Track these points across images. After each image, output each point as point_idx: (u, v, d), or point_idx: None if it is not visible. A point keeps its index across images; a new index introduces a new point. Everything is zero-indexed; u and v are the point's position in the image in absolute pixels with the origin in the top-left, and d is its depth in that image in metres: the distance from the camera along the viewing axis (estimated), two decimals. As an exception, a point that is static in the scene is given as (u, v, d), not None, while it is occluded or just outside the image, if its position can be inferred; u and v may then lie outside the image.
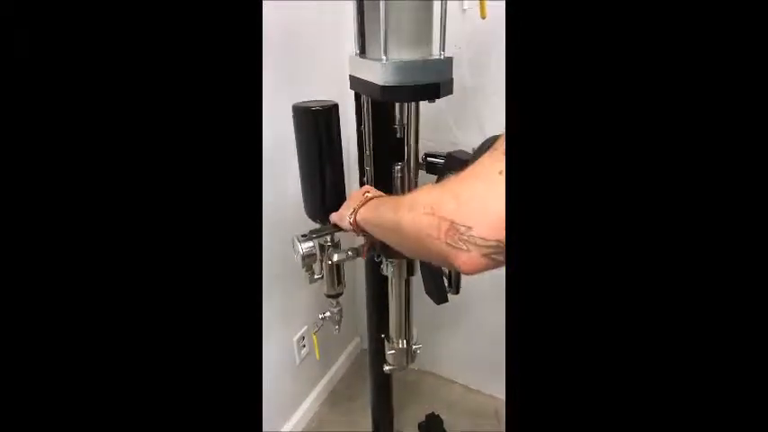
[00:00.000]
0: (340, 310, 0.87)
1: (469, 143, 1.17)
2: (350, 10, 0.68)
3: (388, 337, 0.91)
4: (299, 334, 1.35)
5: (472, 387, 1.59)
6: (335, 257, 0.76)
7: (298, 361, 1.37)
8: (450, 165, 0.65)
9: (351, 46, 0.71)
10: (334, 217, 0.72)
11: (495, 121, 1.03)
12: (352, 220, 0.63)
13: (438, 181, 0.68)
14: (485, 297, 1.34)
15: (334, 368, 1.62)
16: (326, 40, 1.18)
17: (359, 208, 0.63)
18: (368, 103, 0.72)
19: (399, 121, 0.72)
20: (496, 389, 1.53)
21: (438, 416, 1.37)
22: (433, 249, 0.40)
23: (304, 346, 1.38)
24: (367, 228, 0.62)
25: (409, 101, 0.64)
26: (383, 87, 0.60)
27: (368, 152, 0.75)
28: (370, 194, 0.65)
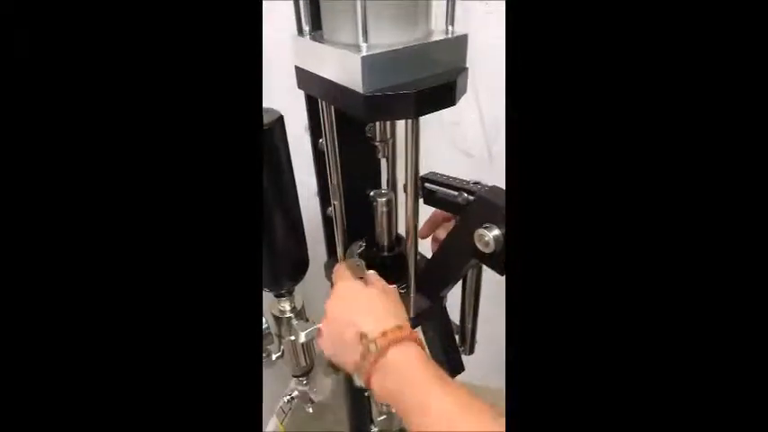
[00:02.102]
0: (312, 386, 0.64)
1: (461, 116, 0.92)
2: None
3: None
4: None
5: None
6: (302, 337, 0.52)
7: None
8: (480, 213, 0.42)
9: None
10: (326, 348, 0.44)
11: (492, 86, 0.80)
12: (365, 375, 0.38)
13: (464, 224, 0.45)
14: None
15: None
16: None
17: (380, 357, 0.37)
18: (328, 108, 0.46)
19: (382, 136, 0.47)
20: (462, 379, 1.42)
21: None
22: None
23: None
24: (392, 404, 0.38)
25: (413, 117, 0.39)
26: (369, 99, 0.35)
27: (335, 181, 0.50)
28: (388, 334, 0.38)
